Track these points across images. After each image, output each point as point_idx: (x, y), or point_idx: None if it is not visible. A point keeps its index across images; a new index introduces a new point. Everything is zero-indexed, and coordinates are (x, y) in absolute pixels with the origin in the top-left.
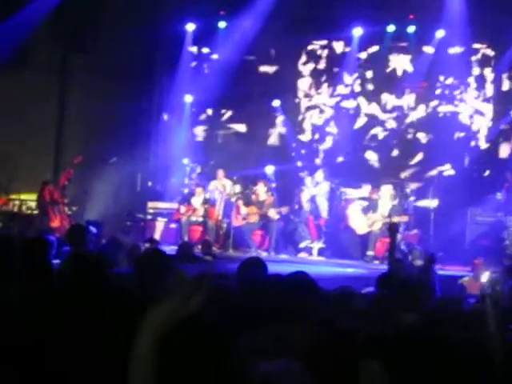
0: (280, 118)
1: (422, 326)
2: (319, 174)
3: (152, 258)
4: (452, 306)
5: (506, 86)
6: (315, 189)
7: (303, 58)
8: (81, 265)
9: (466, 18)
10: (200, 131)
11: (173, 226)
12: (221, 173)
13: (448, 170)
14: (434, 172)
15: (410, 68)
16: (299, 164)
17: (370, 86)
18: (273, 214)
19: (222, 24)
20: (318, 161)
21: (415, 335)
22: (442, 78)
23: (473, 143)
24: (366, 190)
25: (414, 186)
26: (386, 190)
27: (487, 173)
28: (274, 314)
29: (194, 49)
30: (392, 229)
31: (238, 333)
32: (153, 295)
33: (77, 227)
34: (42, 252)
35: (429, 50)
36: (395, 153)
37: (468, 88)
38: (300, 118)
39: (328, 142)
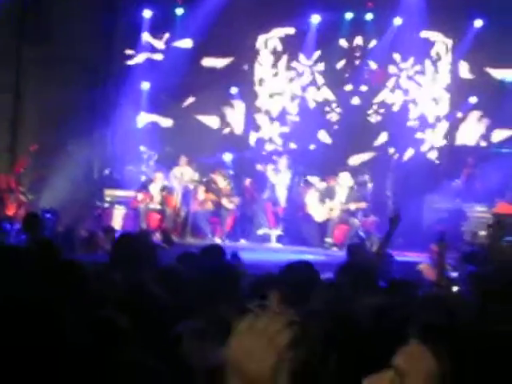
0: (238, 105)
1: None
2: (282, 162)
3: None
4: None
5: (463, 74)
6: (276, 177)
7: (261, 45)
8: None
9: (423, 5)
10: (157, 118)
11: (127, 212)
12: (183, 159)
13: (404, 156)
14: (391, 157)
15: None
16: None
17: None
18: (226, 202)
19: (179, 11)
20: (279, 148)
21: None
22: (399, 66)
23: (429, 130)
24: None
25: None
26: (344, 177)
27: (443, 160)
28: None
29: (150, 36)
30: (394, 220)
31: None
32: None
33: (32, 215)
34: None
35: (386, 37)
36: (352, 139)
37: (424, 76)
38: (258, 104)
39: (286, 129)
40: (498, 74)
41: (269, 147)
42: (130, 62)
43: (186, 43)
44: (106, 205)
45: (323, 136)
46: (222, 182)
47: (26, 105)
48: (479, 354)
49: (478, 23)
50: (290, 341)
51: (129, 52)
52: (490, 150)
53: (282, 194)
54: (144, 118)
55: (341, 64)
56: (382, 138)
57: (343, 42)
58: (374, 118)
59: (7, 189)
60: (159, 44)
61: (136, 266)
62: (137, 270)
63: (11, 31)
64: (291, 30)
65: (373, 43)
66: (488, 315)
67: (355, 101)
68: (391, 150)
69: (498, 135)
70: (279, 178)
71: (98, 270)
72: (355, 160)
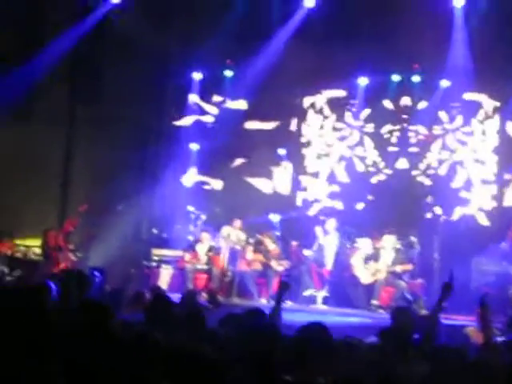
0: (286, 166)
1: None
2: (331, 223)
3: (159, 305)
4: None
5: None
6: (324, 238)
7: (309, 107)
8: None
9: (469, 66)
10: (206, 179)
11: (174, 272)
12: (237, 222)
13: (451, 218)
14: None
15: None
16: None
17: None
18: (276, 264)
19: (228, 73)
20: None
21: None
22: (446, 127)
23: (478, 192)
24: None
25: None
26: (389, 240)
27: (492, 222)
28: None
29: (199, 98)
30: (448, 286)
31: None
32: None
33: (78, 273)
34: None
35: (433, 98)
36: (399, 201)
37: (472, 137)
38: (305, 165)
39: (334, 188)
40: None
41: (316, 207)
42: (178, 123)
43: (236, 105)
44: (154, 264)
45: (370, 198)
46: (270, 244)
47: (76, 164)
48: None
49: None
50: None
51: (178, 113)
52: None
53: (329, 255)
54: (192, 179)
55: (388, 126)
56: (430, 200)
57: (390, 104)
58: (421, 180)
59: (56, 247)
60: (208, 106)
61: (171, 327)
62: (173, 330)
63: (64, 91)
64: (339, 92)
65: (420, 105)
66: None
67: (402, 163)
68: (438, 212)
69: None
70: (327, 239)
71: (140, 330)
72: (402, 222)
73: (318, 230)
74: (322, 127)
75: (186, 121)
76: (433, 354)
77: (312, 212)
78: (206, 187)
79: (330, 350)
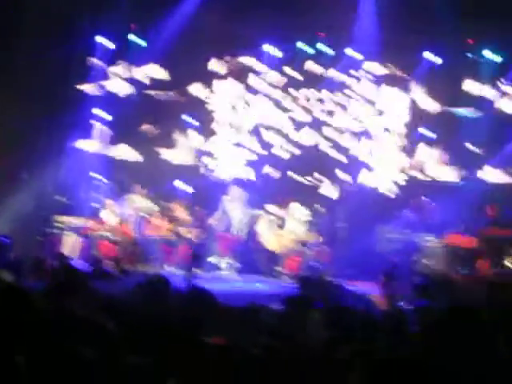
0: (191, 134)
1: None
2: (236, 191)
3: (66, 274)
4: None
5: (418, 108)
6: (230, 206)
7: (216, 73)
8: None
9: (375, 36)
10: (111, 147)
11: (82, 240)
12: (137, 188)
13: (356, 187)
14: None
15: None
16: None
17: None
18: (186, 232)
19: (134, 38)
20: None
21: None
22: (352, 95)
23: (383, 162)
24: (274, 206)
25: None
26: (295, 208)
27: (396, 191)
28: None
29: (104, 65)
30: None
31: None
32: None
33: None
34: None
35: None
36: (305, 169)
37: (375, 106)
38: (212, 133)
39: (242, 158)
40: (454, 109)
41: (222, 175)
42: (83, 89)
43: (142, 71)
44: (58, 231)
45: (277, 166)
46: (181, 212)
47: None
48: None
49: (431, 57)
50: None
51: (82, 79)
52: (440, 181)
53: (234, 223)
54: (97, 145)
55: (294, 93)
56: (335, 168)
57: (296, 72)
58: (327, 150)
59: None
60: (113, 73)
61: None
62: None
63: None
64: (246, 59)
65: (326, 73)
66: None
67: (308, 132)
68: (343, 181)
69: (450, 168)
70: (232, 206)
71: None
72: (308, 191)
73: (224, 197)
74: (229, 94)
75: (91, 87)
76: (337, 320)
77: (218, 180)
78: (111, 154)
79: (215, 315)
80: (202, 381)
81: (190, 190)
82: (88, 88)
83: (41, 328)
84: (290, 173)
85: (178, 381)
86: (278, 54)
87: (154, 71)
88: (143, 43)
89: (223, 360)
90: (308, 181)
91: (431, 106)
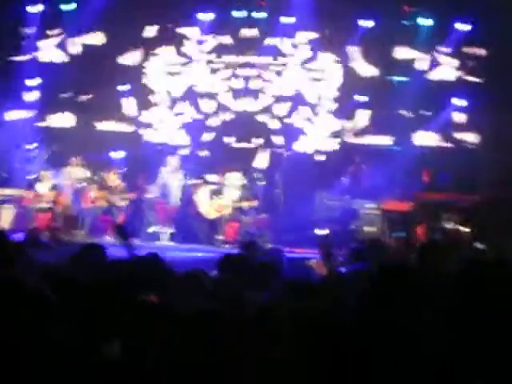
0: (130, 102)
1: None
2: (173, 161)
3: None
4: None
5: (352, 73)
6: (168, 175)
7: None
8: None
9: (310, 4)
10: (46, 117)
11: (15, 211)
12: (74, 160)
13: (293, 154)
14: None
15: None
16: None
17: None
18: (118, 199)
19: (65, 6)
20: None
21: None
22: (286, 61)
23: (317, 128)
24: (213, 175)
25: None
26: (233, 176)
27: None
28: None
29: (36, 32)
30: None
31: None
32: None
33: None
34: None
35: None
36: (241, 137)
37: (313, 73)
38: (150, 101)
39: (178, 127)
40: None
41: (159, 141)
42: (15, 59)
43: (77, 40)
44: None
45: (213, 134)
46: (113, 180)
47: None
48: None
49: (366, 24)
50: None
51: (15, 47)
52: (375, 147)
53: (173, 192)
54: (30, 116)
55: (231, 60)
56: (271, 135)
57: (232, 39)
58: (261, 116)
59: None
60: (47, 41)
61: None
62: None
63: None
64: (185, 30)
65: (262, 40)
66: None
67: (243, 98)
68: (279, 148)
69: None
70: (171, 176)
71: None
72: (244, 158)
73: (162, 168)
74: (164, 62)
75: (23, 58)
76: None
77: (155, 147)
78: (45, 124)
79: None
80: (145, 340)
81: (122, 155)
82: (20, 58)
83: None
84: (226, 139)
85: (122, 341)
86: (212, 18)
87: (88, 39)
88: (73, 7)
89: (158, 319)
90: (243, 148)
91: (366, 71)
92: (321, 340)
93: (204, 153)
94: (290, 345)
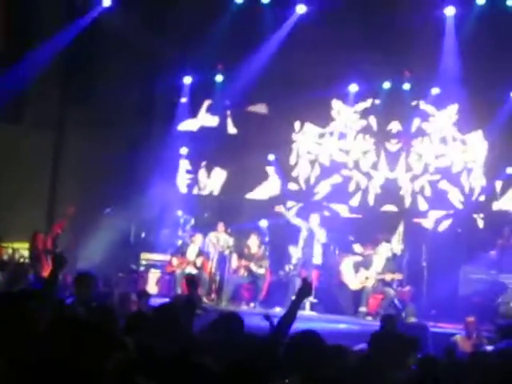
0: (273, 172)
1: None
2: (314, 219)
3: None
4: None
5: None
6: (310, 234)
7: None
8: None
9: (460, 75)
10: (195, 183)
11: (163, 276)
12: (221, 226)
13: (440, 227)
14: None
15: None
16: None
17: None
18: (255, 267)
19: (219, 78)
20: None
21: None
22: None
23: (465, 200)
24: (359, 246)
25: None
26: (384, 247)
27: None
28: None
29: (190, 103)
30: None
31: None
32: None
33: (84, 276)
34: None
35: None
36: (390, 208)
37: (463, 145)
38: (294, 171)
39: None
40: None
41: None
42: (169, 127)
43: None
44: (142, 268)
45: (359, 203)
46: (255, 247)
47: (65, 166)
48: None
49: None
50: None
51: (168, 116)
52: None
53: (317, 254)
54: (182, 183)
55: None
56: (419, 207)
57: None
58: (410, 189)
59: (44, 249)
60: (201, 111)
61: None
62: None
63: (54, 93)
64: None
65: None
66: None
67: (392, 169)
68: (426, 221)
69: None
70: (313, 235)
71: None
72: (392, 230)
73: (303, 226)
74: (313, 134)
75: (177, 125)
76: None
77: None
78: (195, 192)
79: (321, 357)
80: None
81: (266, 224)
82: (175, 126)
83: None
84: (383, 208)
85: None
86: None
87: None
88: (225, 81)
89: None
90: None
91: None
92: None
93: (349, 220)
94: None
